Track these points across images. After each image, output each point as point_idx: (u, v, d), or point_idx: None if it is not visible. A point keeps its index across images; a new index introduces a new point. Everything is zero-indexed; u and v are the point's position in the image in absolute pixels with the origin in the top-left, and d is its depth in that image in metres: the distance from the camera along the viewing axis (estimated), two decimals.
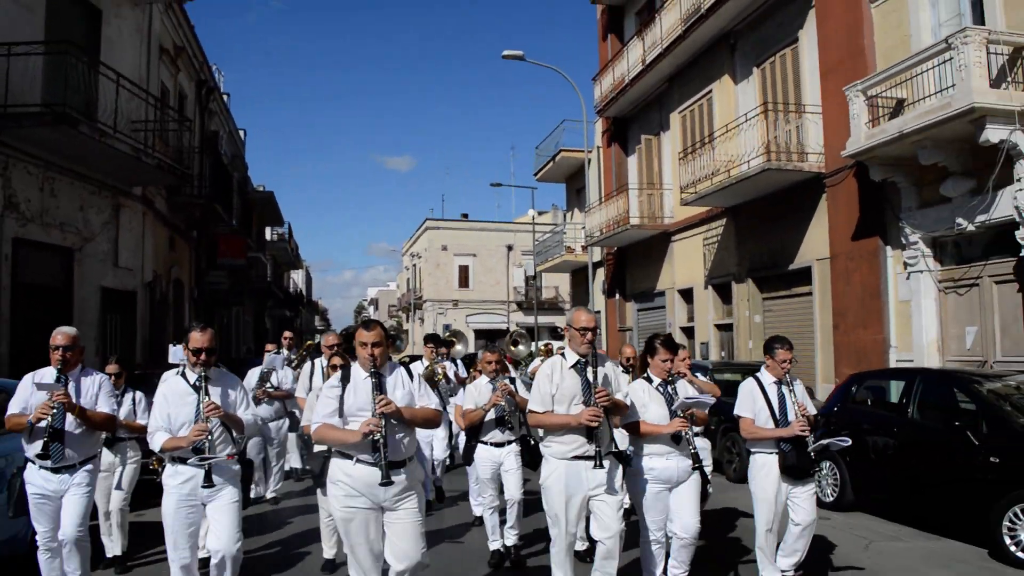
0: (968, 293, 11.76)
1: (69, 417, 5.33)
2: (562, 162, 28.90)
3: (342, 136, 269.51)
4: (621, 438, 5.74)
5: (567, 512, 5.09)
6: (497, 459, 6.92)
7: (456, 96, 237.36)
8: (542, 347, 16.50)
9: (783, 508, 5.89)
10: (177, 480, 4.96)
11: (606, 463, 5.01)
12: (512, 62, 23.54)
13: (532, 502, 7.70)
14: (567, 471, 5.07)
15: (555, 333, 42.15)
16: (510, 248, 51.48)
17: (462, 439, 7.99)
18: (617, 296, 25.01)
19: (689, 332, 20.49)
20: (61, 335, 5.46)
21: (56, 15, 13.34)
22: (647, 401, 5.64)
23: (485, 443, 6.99)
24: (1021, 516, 6.81)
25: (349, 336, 6.19)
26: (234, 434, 5.19)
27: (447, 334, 11.22)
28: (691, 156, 18.11)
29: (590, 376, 5.09)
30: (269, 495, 9.76)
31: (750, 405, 6.03)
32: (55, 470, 5.32)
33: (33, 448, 5.27)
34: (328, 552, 6.81)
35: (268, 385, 9.28)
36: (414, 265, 57.14)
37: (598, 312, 25.67)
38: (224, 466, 5.02)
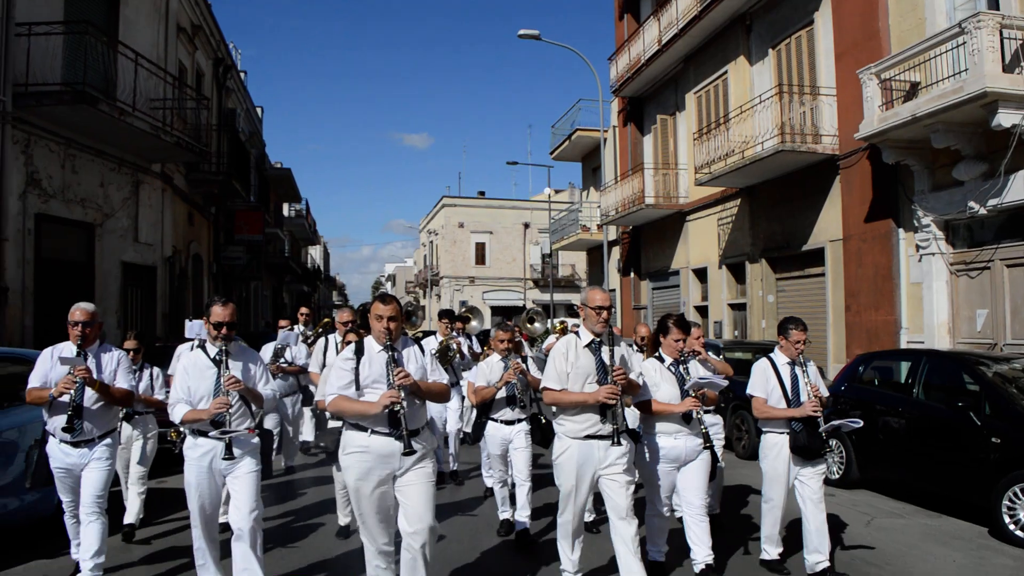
0: (979, 276, 11.80)
1: (88, 392, 5.35)
2: (578, 141, 28.91)
3: (360, 114, 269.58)
4: (631, 417, 5.81)
5: (578, 489, 5.19)
6: (507, 437, 6.92)
7: (473, 75, 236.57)
8: (557, 324, 16.67)
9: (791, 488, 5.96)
10: (197, 452, 5.03)
11: (623, 440, 5.09)
12: (529, 42, 23.55)
13: (539, 478, 7.87)
14: (579, 450, 5.14)
15: (571, 310, 42.24)
16: (527, 226, 51.54)
17: (473, 415, 8.08)
18: (632, 274, 25.10)
19: (703, 311, 20.58)
20: (80, 311, 5.48)
21: None
22: (658, 381, 5.69)
23: (495, 420, 6.98)
24: (1021, 496, 6.94)
25: (364, 312, 6.19)
26: (253, 408, 5.26)
27: (463, 310, 11.28)
28: (706, 137, 18.13)
29: (604, 355, 5.12)
30: (285, 464, 10.01)
31: (763, 385, 6.07)
32: (74, 444, 5.38)
33: (56, 422, 5.34)
34: (343, 519, 7.02)
35: (282, 360, 9.35)
36: (431, 242, 57.27)
37: (613, 290, 25.79)
38: (244, 439, 5.09)
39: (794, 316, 6.35)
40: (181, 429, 5.38)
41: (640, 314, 24.26)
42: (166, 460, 7.94)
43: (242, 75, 29.74)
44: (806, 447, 5.83)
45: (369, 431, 4.66)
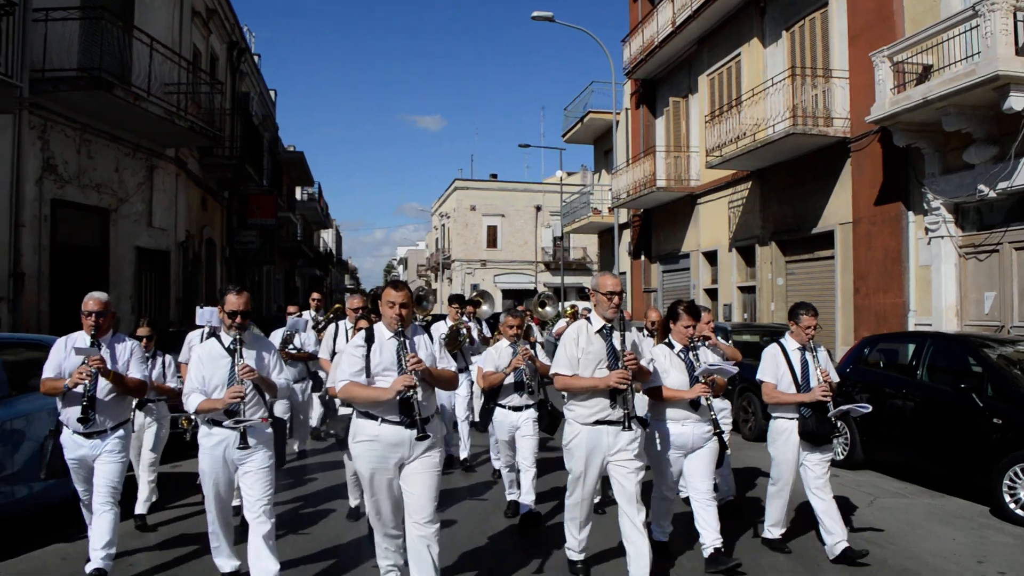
0: (988, 259, 11.82)
1: (101, 383, 5.30)
2: (590, 124, 28.87)
3: (373, 96, 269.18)
4: (639, 404, 5.84)
5: (587, 473, 5.27)
6: (514, 423, 6.97)
7: (487, 57, 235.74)
8: (568, 308, 16.77)
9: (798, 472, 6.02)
10: (211, 441, 5.05)
11: (634, 426, 5.15)
12: (542, 23, 23.52)
13: (546, 462, 7.95)
14: (589, 436, 5.21)
15: (583, 293, 42.32)
16: (538, 209, 51.46)
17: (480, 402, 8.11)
18: (642, 257, 25.14)
19: (712, 294, 20.64)
20: (93, 301, 5.41)
21: None
22: (667, 367, 5.71)
23: (503, 406, 7.01)
24: (1021, 475, 7.03)
25: (375, 297, 6.20)
26: (267, 397, 5.25)
27: (474, 294, 11.30)
28: (718, 119, 18.11)
29: (616, 341, 5.16)
30: (297, 448, 10.16)
31: (773, 370, 6.09)
32: (87, 435, 5.33)
33: (69, 413, 5.32)
34: (353, 501, 7.14)
35: (290, 347, 9.28)
36: (443, 225, 57.28)
37: (623, 273, 25.85)
38: (258, 429, 5.09)
39: (805, 301, 6.36)
40: (192, 416, 5.38)
41: (650, 297, 24.32)
42: (180, 445, 8.02)
43: (256, 58, 29.81)
44: (815, 432, 5.87)
45: (379, 420, 4.68)
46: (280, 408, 9.03)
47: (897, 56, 12.17)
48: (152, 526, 6.81)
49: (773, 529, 6.25)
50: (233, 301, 5.09)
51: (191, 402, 5.05)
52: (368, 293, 8.64)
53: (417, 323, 5.19)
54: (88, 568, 5.18)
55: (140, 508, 6.83)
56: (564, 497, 5.58)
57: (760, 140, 15.70)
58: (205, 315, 7.48)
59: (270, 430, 5.24)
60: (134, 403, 6.28)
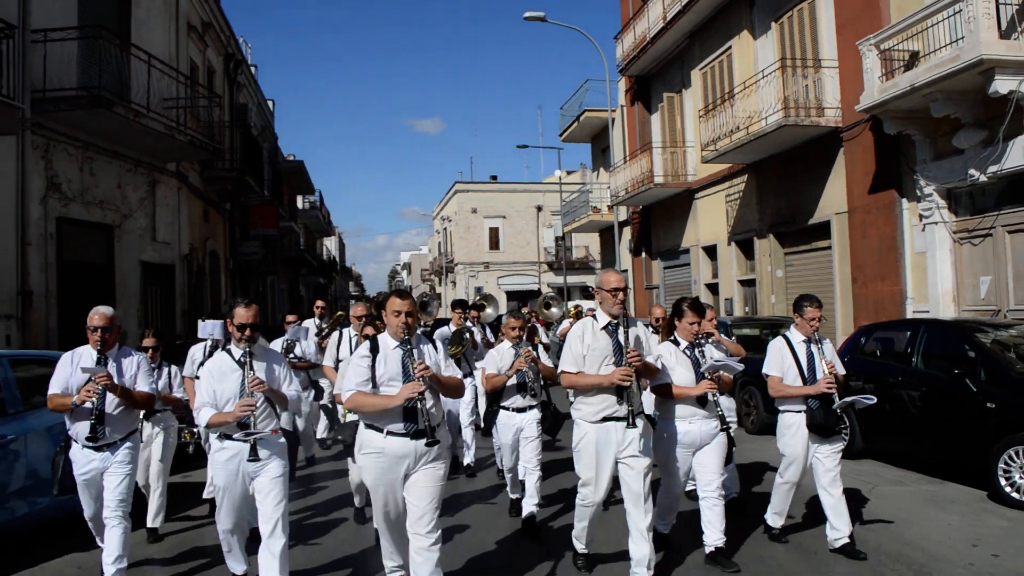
0: (982, 243, 11.93)
1: (109, 396, 5.33)
2: (587, 122, 29.00)
3: (371, 101, 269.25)
4: (647, 403, 5.93)
5: (599, 476, 5.29)
6: (518, 424, 6.96)
7: (482, 57, 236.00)
8: (571, 308, 16.93)
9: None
10: (224, 456, 5.06)
11: (639, 422, 5.19)
12: (536, 23, 23.71)
13: (551, 464, 8.00)
14: (597, 435, 5.24)
15: (586, 292, 42.44)
16: (539, 209, 51.55)
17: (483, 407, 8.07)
18: (643, 254, 25.26)
19: (714, 288, 20.75)
20: (99, 316, 5.42)
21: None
22: (673, 364, 5.73)
23: (506, 408, 7.03)
24: (1015, 459, 7.16)
25: (379, 304, 6.14)
26: (278, 409, 5.27)
27: (477, 298, 11.39)
28: (712, 113, 18.24)
29: (621, 337, 5.18)
30: (305, 456, 10.23)
31: (779, 363, 6.11)
32: (97, 448, 5.36)
33: (78, 429, 5.36)
34: (359, 502, 7.22)
35: (292, 356, 9.28)
36: (445, 228, 57.38)
37: (625, 271, 25.95)
38: (270, 440, 5.08)
39: (809, 294, 6.41)
40: (194, 429, 5.40)
41: (652, 294, 24.43)
42: (183, 458, 8.06)
43: (252, 69, 29.98)
44: (822, 424, 5.91)
45: (385, 432, 4.70)
46: (284, 418, 9.12)
47: (884, 44, 12.28)
48: (162, 536, 6.90)
49: (775, 520, 6.32)
50: (242, 314, 5.09)
51: (202, 416, 5.04)
52: (373, 299, 8.73)
53: (420, 331, 5.23)
54: None
55: (152, 522, 6.88)
56: (572, 499, 5.57)
57: (753, 133, 15.81)
58: (207, 328, 7.50)
59: (283, 440, 5.25)
60: (141, 413, 6.33)
